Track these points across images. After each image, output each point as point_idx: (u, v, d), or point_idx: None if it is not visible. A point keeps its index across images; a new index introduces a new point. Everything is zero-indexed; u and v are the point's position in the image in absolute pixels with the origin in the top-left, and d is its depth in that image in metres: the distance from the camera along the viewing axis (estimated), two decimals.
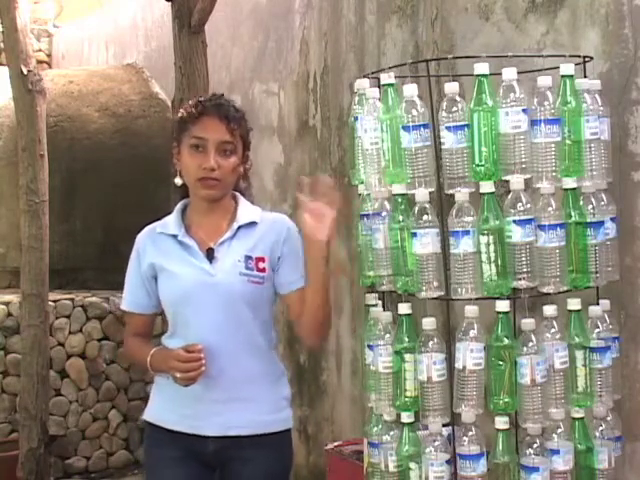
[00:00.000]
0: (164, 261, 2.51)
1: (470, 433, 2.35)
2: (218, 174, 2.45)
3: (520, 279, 2.34)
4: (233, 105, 2.53)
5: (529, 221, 2.32)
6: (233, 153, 2.48)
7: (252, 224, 2.52)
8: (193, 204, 2.56)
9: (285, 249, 2.52)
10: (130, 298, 2.60)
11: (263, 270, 2.49)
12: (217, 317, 2.45)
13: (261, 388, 2.50)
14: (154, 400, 2.60)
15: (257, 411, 2.49)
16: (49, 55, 8.93)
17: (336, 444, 3.61)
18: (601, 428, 2.51)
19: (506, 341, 2.32)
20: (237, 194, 2.58)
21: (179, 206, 2.59)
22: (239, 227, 2.51)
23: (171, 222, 2.56)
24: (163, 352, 2.48)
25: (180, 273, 2.48)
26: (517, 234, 2.31)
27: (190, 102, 2.58)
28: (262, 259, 2.49)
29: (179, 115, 2.57)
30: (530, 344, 2.32)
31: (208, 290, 2.45)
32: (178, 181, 2.56)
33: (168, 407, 2.52)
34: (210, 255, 2.49)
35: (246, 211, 2.55)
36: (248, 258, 2.48)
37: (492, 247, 2.31)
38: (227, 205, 2.55)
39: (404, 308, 2.46)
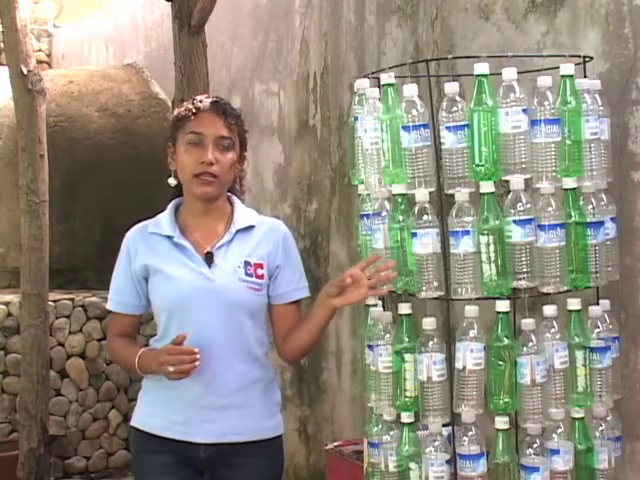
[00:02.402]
0: (159, 263, 2.46)
1: (470, 433, 2.35)
2: (216, 169, 2.42)
3: (520, 279, 2.34)
4: (229, 103, 2.53)
5: (529, 221, 2.32)
6: (231, 149, 2.47)
7: (249, 228, 2.51)
8: (188, 205, 2.52)
9: (283, 259, 2.52)
10: (118, 298, 2.54)
11: (262, 277, 2.48)
12: (215, 323, 2.42)
13: (255, 394, 2.48)
14: (141, 405, 2.55)
15: (251, 417, 2.47)
16: (49, 55, 8.93)
17: (336, 444, 3.61)
18: (601, 428, 2.51)
19: (506, 341, 2.32)
20: (233, 197, 2.56)
21: (171, 205, 2.55)
22: (237, 231, 2.49)
23: (164, 222, 2.51)
24: (152, 352, 2.44)
25: (178, 276, 2.44)
26: (517, 234, 2.31)
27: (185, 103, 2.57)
28: (260, 265, 2.48)
29: (174, 115, 2.56)
30: (530, 344, 2.32)
31: (207, 295, 2.42)
32: (172, 181, 2.53)
33: (156, 412, 2.48)
34: (209, 259, 2.46)
35: (243, 214, 2.53)
36: (247, 264, 2.46)
37: (492, 247, 2.31)
38: (223, 207, 2.53)
39: (404, 308, 2.45)
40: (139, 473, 2.57)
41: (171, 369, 2.33)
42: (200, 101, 2.49)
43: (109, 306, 2.58)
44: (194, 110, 2.46)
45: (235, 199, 2.57)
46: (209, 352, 2.39)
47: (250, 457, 2.46)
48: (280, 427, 2.55)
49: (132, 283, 2.50)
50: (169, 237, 2.48)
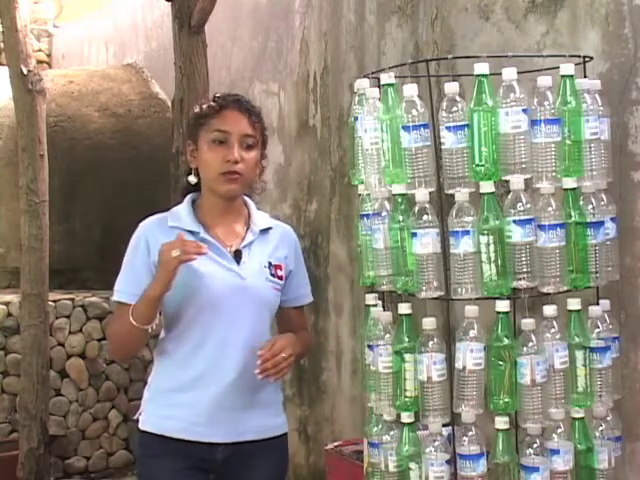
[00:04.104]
0: None
1: (470, 433, 2.35)
2: (241, 168, 2.42)
3: (520, 279, 2.33)
4: (250, 101, 2.54)
5: (529, 221, 2.32)
6: (255, 147, 2.47)
7: (268, 229, 2.54)
8: (207, 203, 2.50)
9: (295, 264, 2.58)
10: (131, 290, 2.42)
11: (281, 278, 2.52)
12: (244, 321, 2.42)
13: (270, 393, 2.52)
14: (152, 408, 2.49)
15: (266, 415, 2.51)
16: (49, 55, 8.93)
17: (336, 444, 3.61)
18: (601, 428, 2.50)
19: (506, 341, 2.32)
20: (247, 199, 2.57)
21: (188, 200, 2.52)
22: (259, 231, 2.51)
23: (184, 216, 2.47)
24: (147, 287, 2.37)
25: (209, 273, 2.40)
26: (517, 234, 2.31)
27: (204, 100, 2.57)
28: (280, 267, 2.52)
29: (195, 112, 2.53)
30: (530, 344, 2.32)
31: (239, 293, 2.41)
32: (193, 179, 2.51)
33: (173, 415, 2.44)
34: (237, 257, 2.46)
35: (260, 216, 2.56)
36: (270, 264, 2.50)
37: (492, 247, 2.31)
38: (240, 208, 2.54)
39: (404, 308, 2.45)
40: (148, 477, 2.51)
41: (176, 253, 2.26)
42: (223, 98, 2.49)
43: (118, 297, 2.46)
44: (218, 107, 2.45)
45: (250, 202, 2.58)
46: (236, 351, 2.41)
47: (262, 455, 2.49)
48: (286, 424, 2.60)
49: (149, 274, 2.41)
50: (192, 232, 2.44)
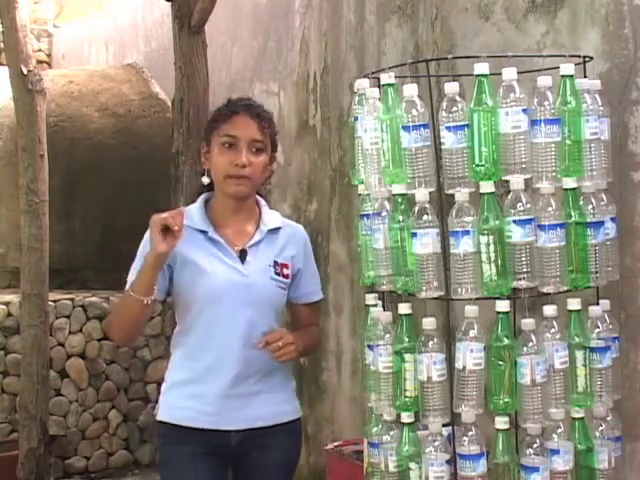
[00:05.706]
0: (192, 254, 2.52)
1: (470, 433, 2.35)
2: (249, 171, 2.51)
3: (520, 279, 2.34)
4: (262, 106, 2.62)
5: (529, 221, 2.32)
6: (263, 152, 2.56)
7: (277, 229, 2.62)
8: (219, 203, 2.60)
9: (304, 262, 2.66)
10: None
11: (287, 276, 2.61)
12: (245, 317, 2.51)
13: (277, 381, 2.61)
14: (166, 400, 2.62)
15: (275, 402, 2.60)
16: (49, 55, 8.94)
17: (336, 444, 3.62)
18: (601, 428, 2.50)
19: (506, 341, 2.32)
20: (259, 198, 2.66)
21: (201, 200, 2.63)
22: (267, 231, 2.59)
23: (196, 216, 2.58)
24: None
25: (213, 270, 2.52)
26: (517, 234, 2.31)
27: (220, 103, 2.64)
28: (286, 265, 2.60)
29: (210, 116, 2.64)
30: (530, 344, 2.32)
31: (241, 291, 2.51)
32: (206, 180, 2.61)
33: (184, 405, 2.55)
34: (242, 256, 2.55)
35: (270, 216, 2.65)
36: (276, 263, 2.58)
37: (492, 247, 2.31)
38: (252, 208, 2.63)
39: (404, 308, 2.45)
40: (168, 464, 2.60)
41: (163, 215, 2.33)
42: (235, 104, 2.58)
43: (127, 287, 2.52)
44: (229, 113, 2.55)
45: (262, 201, 2.67)
46: (239, 344, 2.50)
47: (276, 438, 2.59)
48: (299, 410, 2.70)
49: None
50: (203, 231, 2.55)
